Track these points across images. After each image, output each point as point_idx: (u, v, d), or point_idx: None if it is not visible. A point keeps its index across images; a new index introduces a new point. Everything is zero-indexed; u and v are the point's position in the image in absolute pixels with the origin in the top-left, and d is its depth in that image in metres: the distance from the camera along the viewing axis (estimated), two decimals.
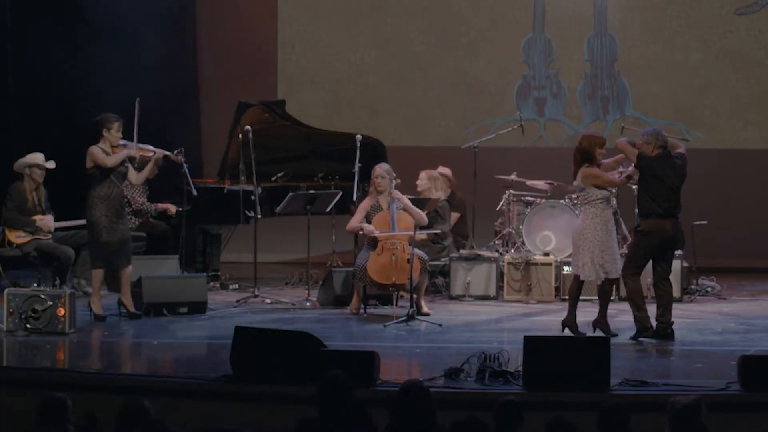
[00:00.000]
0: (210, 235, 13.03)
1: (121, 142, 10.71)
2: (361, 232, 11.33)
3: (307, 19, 15.66)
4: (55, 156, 12.17)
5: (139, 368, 9.11)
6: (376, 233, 11.08)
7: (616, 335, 9.85)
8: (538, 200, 12.80)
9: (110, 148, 10.67)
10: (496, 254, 12.54)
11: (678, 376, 8.60)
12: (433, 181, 12.87)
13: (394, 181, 11.32)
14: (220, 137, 13.38)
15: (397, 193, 11.24)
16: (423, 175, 12.85)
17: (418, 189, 12.74)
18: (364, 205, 11.37)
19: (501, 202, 12.92)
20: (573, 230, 10.23)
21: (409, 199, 11.48)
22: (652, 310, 9.95)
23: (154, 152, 10.88)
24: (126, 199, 11.63)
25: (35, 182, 11.98)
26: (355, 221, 11.33)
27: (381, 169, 11.36)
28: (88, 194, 10.64)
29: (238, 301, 11.81)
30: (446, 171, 13.15)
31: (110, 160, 10.56)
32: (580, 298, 12.10)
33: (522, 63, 15.51)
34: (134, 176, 10.85)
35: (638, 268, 9.97)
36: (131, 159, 10.71)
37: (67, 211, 12.23)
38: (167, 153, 11.01)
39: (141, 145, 10.80)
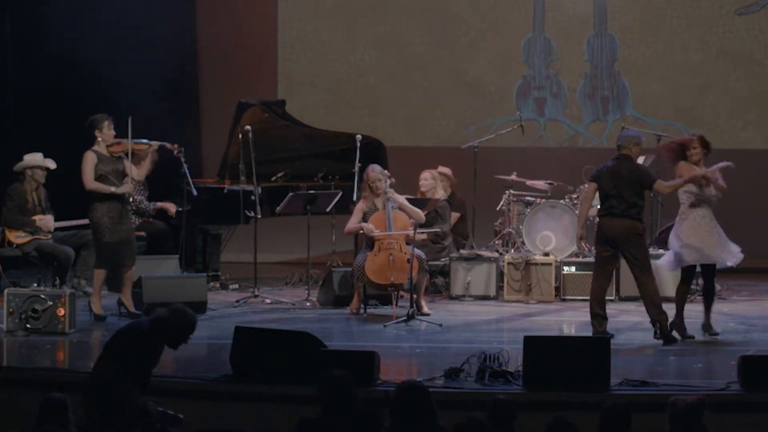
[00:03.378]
0: (210, 235, 13.02)
1: (116, 140, 10.73)
2: (361, 232, 11.30)
3: (307, 19, 15.66)
4: (55, 156, 12.17)
5: None
6: (376, 232, 11.07)
7: (692, 337, 9.87)
8: (538, 200, 12.80)
9: (106, 149, 10.68)
10: (496, 254, 12.53)
11: (678, 376, 8.60)
12: (437, 181, 12.85)
13: (388, 180, 11.31)
14: (220, 137, 13.38)
15: (392, 193, 11.23)
16: (427, 174, 12.78)
17: (423, 189, 12.67)
18: (361, 207, 11.36)
19: (501, 202, 12.92)
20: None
21: (408, 199, 11.48)
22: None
23: (150, 145, 10.91)
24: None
25: (36, 182, 11.99)
26: (353, 223, 11.32)
27: (375, 172, 11.32)
28: (90, 195, 10.65)
29: (238, 301, 11.81)
30: (446, 171, 13.15)
31: (92, 185, 10.54)
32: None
33: (522, 63, 15.52)
34: (135, 172, 10.88)
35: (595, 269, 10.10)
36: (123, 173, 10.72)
37: (67, 211, 12.22)
38: (162, 143, 11.04)
39: (135, 141, 10.81)
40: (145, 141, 10.87)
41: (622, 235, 9.82)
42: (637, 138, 10.11)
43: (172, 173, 12.27)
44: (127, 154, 10.70)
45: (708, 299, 10.06)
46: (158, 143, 10.98)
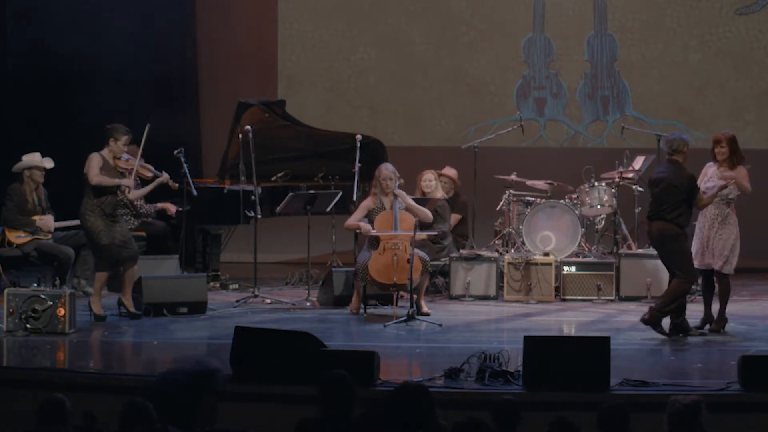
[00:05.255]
0: (210, 235, 13.02)
1: (125, 156, 10.72)
2: (358, 231, 11.29)
3: (307, 19, 15.66)
4: (55, 156, 12.17)
5: (139, 368, 9.10)
6: (373, 232, 11.06)
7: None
8: (538, 200, 12.79)
9: (112, 159, 10.69)
10: (496, 254, 12.53)
11: (678, 376, 8.60)
12: (437, 181, 12.83)
13: (398, 181, 11.31)
14: (220, 137, 13.38)
15: (400, 193, 11.23)
16: (430, 175, 12.75)
17: (426, 189, 12.66)
18: (366, 204, 11.33)
19: (501, 202, 12.91)
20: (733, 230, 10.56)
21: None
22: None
23: (157, 176, 10.91)
24: (124, 202, 11.65)
25: (35, 182, 12.00)
26: (354, 219, 11.30)
27: (388, 170, 11.30)
28: (83, 201, 10.65)
29: (238, 301, 11.81)
30: (452, 172, 13.14)
31: (97, 179, 10.54)
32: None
33: (522, 63, 15.52)
34: (132, 193, 10.90)
35: None
36: (121, 184, 10.72)
37: (67, 211, 12.22)
38: (169, 181, 11.06)
39: (143, 164, 10.84)
40: (152, 169, 10.90)
41: (656, 235, 10.10)
42: (687, 141, 10.40)
43: (172, 173, 12.26)
44: (130, 173, 10.72)
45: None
46: (167, 177, 11.00)
